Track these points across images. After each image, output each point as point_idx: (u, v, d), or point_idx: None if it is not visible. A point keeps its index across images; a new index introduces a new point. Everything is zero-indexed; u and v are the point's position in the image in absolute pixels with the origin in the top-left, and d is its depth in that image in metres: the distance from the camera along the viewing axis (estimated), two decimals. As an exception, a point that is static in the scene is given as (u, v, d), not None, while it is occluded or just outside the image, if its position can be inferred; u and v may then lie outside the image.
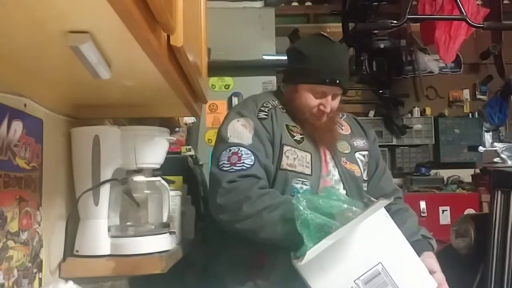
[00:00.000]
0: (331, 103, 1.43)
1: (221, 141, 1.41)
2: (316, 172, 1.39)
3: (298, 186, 1.36)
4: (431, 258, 1.32)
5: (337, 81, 1.41)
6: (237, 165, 1.33)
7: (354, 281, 1.12)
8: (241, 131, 1.38)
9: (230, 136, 1.38)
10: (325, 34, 1.51)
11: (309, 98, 1.42)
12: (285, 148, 1.39)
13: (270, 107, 1.45)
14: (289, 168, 1.37)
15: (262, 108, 1.44)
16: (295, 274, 1.29)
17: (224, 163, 1.35)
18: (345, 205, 1.15)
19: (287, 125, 1.44)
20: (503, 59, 3.91)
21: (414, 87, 4.53)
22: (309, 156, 1.41)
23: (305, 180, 1.37)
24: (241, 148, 1.35)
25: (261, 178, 1.34)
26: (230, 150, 1.36)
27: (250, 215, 1.27)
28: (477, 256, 2.10)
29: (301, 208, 1.12)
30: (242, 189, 1.30)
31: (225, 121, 1.45)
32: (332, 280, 1.11)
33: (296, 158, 1.39)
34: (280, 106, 1.47)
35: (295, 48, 1.52)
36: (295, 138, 1.42)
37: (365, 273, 1.13)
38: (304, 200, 1.14)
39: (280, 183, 1.37)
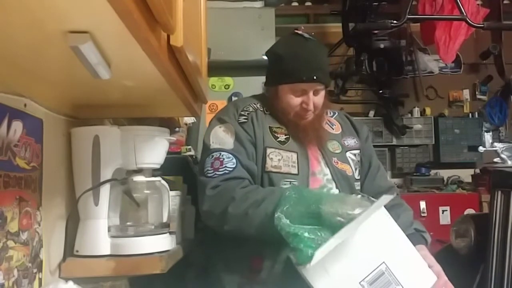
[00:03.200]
0: (314, 99, 1.42)
1: (205, 149, 1.43)
2: (303, 171, 1.39)
3: (286, 186, 1.36)
4: (424, 251, 1.33)
5: (314, 77, 1.40)
6: (220, 170, 1.34)
7: (359, 283, 1.12)
8: (222, 137, 1.40)
9: (212, 142, 1.40)
10: (299, 32, 1.48)
11: (290, 98, 1.42)
12: (269, 150, 1.39)
13: (251, 110, 1.46)
14: (274, 170, 1.38)
15: (242, 112, 1.45)
16: (293, 280, 1.29)
17: (208, 169, 1.36)
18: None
19: (270, 127, 1.44)
20: (503, 59, 3.91)
21: (414, 87, 4.54)
22: (295, 155, 1.41)
23: (293, 180, 1.37)
24: (223, 153, 1.37)
25: (244, 178, 1.35)
26: (212, 156, 1.38)
27: (236, 215, 1.28)
28: (477, 256, 2.10)
29: (284, 224, 1.12)
30: (226, 192, 1.31)
31: (208, 129, 1.46)
32: (338, 283, 1.11)
33: (281, 159, 1.39)
34: (262, 109, 1.48)
35: (271, 50, 1.52)
36: (279, 139, 1.42)
37: (370, 273, 1.13)
38: (284, 216, 1.14)
39: (266, 186, 1.37)
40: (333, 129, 1.55)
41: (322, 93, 1.46)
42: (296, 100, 1.42)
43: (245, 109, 1.46)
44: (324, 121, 1.54)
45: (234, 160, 1.35)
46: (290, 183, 1.36)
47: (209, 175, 1.35)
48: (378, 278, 1.13)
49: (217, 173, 1.34)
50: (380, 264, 1.14)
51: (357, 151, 1.53)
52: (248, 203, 1.28)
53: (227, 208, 1.29)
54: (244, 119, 1.44)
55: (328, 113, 1.59)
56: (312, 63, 1.42)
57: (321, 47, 1.52)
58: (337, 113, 1.63)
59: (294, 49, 1.44)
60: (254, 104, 1.49)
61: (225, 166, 1.34)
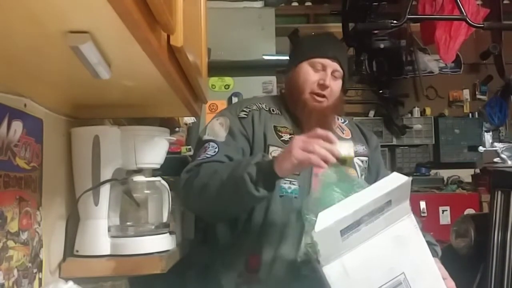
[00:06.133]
0: (331, 82, 1.44)
1: (198, 142, 1.44)
2: (304, 172, 1.38)
3: (286, 186, 1.35)
4: (438, 263, 1.32)
5: (333, 54, 1.45)
6: (201, 156, 1.34)
7: None
8: (217, 130, 1.40)
9: (207, 134, 1.41)
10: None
11: (309, 74, 1.45)
12: (271, 148, 1.39)
13: (254, 108, 1.47)
14: None
15: (244, 109, 1.46)
16: (291, 280, 1.29)
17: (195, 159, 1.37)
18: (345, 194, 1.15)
19: (275, 126, 1.44)
20: (503, 59, 3.90)
21: (414, 87, 4.54)
22: None
23: (293, 180, 1.36)
24: (211, 143, 1.37)
25: (222, 162, 1.33)
26: (202, 146, 1.38)
27: (201, 184, 1.25)
28: (477, 256, 2.10)
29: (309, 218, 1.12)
30: (195, 171, 1.29)
31: (208, 122, 1.47)
32: (356, 285, 1.11)
33: None
34: (267, 109, 1.48)
35: (297, 39, 1.61)
36: (282, 138, 1.42)
37: (388, 282, 1.11)
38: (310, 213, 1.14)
39: None
40: (343, 134, 1.55)
41: (339, 82, 1.48)
42: (314, 76, 1.44)
43: (248, 106, 1.47)
44: (337, 110, 1.54)
45: (217, 149, 1.35)
46: (290, 183, 1.36)
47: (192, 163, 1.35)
48: None
49: (198, 159, 1.34)
50: (400, 274, 1.13)
51: (365, 158, 1.53)
52: (213, 169, 1.26)
53: (192, 182, 1.26)
54: (244, 114, 1.44)
55: (339, 119, 1.60)
56: (333, 45, 1.51)
57: (342, 43, 1.62)
58: (347, 121, 1.64)
59: (316, 34, 1.63)
60: (259, 103, 1.49)
61: (206, 153, 1.34)
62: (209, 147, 1.36)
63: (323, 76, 1.43)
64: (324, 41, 1.52)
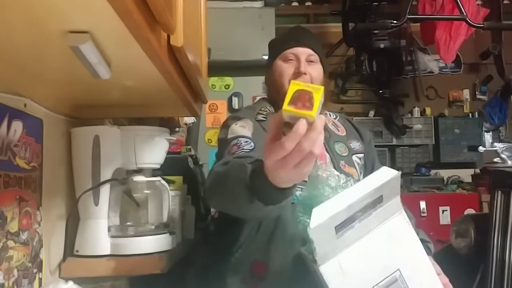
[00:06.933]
0: (308, 69, 1.43)
1: (221, 143, 1.35)
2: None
3: (297, 193, 1.30)
4: (431, 260, 1.32)
5: (302, 41, 1.45)
6: (236, 152, 1.24)
7: (373, 287, 1.11)
8: (239, 130, 1.35)
9: (230, 135, 1.34)
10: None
11: (283, 67, 1.45)
12: None
13: (268, 111, 1.45)
14: None
15: (260, 112, 1.44)
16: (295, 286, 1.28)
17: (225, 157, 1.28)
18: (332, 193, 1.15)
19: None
20: (503, 59, 3.90)
21: (414, 87, 4.54)
22: None
23: (303, 187, 1.31)
24: (240, 138, 1.30)
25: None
26: (230, 144, 1.30)
27: (220, 174, 1.11)
28: (477, 256, 2.09)
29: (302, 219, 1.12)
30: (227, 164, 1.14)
31: (223, 128, 1.40)
32: (352, 284, 1.11)
33: None
34: (274, 113, 1.46)
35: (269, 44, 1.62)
36: None
37: (384, 279, 1.12)
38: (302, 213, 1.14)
39: None
40: (338, 130, 1.53)
41: (318, 66, 1.46)
42: (288, 67, 1.44)
43: (263, 109, 1.46)
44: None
45: (252, 144, 1.27)
46: (301, 190, 1.30)
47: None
48: (390, 285, 1.12)
49: (234, 156, 1.22)
50: (395, 271, 1.13)
51: (361, 155, 1.52)
52: (231, 158, 1.17)
53: (217, 172, 1.12)
54: (263, 117, 1.42)
55: (331, 115, 1.58)
56: (298, 33, 1.51)
57: (311, 32, 1.59)
58: (338, 116, 1.61)
59: (282, 32, 1.60)
60: (269, 107, 1.49)
61: (242, 149, 1.25)
62: (241, 143, 1.27)
63: (297, 64, 1.43)
64: (290, 33, 1.52)
